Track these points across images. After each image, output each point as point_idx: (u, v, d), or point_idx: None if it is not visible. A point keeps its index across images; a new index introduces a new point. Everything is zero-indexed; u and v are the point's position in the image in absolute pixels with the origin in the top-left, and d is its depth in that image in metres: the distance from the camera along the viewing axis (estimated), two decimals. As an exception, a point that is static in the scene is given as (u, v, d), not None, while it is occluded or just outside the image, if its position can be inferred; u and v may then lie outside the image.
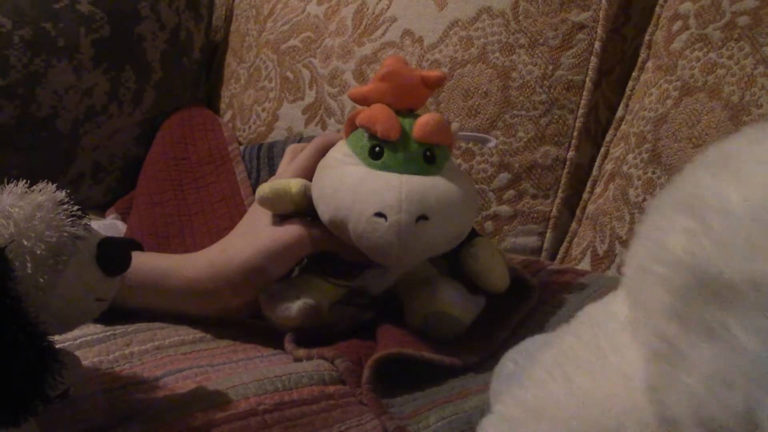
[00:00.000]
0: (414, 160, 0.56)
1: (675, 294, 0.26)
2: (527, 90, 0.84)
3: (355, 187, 0.55)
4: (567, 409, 0.30)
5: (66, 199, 0.44)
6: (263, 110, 1.06)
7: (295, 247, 0.59)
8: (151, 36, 1.08)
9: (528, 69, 0.84)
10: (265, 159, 0.95)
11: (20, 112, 0.96)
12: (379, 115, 0.56)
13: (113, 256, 0.44)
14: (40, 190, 0.43)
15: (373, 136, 0.57)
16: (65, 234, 0.42)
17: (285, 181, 0.61)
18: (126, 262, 0.45)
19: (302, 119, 1.00)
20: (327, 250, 0.60)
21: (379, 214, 0.53)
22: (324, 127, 0.98)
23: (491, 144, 0.68)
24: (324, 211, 0.57)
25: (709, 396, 0.24)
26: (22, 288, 0.39)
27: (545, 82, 0.84)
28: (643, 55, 0.85)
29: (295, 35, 1.04)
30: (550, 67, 0.84)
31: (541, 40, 0.85)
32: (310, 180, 0.61)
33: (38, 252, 0.40)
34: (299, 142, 0.93)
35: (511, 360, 0.42)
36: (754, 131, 0.30)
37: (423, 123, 0.57)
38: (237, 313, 0.62)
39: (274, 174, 0.89)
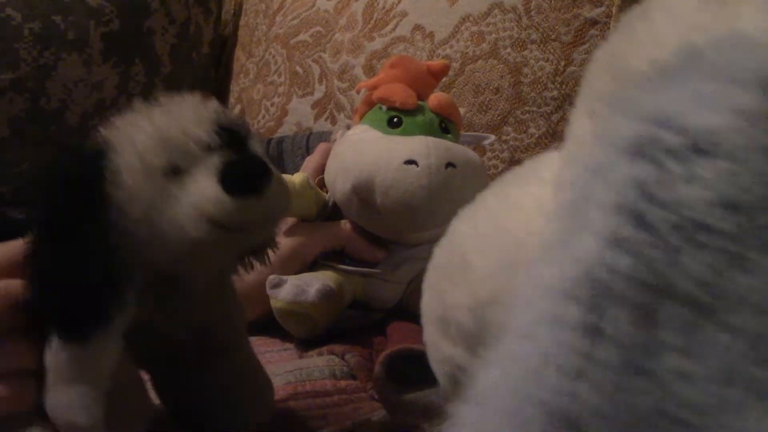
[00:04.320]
0: (432, 127, 0.59)
1: (596, 100, 0.26)
2: (539, 86, 0.84)
3: (380, 145, 0.57)
4: (489, 216, 0.31)
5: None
6: (272, 105, 1.05)
7: (302, 252, 0.60)
8: (161, 30, 1.07)
9: (540, 65, 0.84)
10: (274, 153, 0.95)
11: (30, 105, 0.96)
12: (395, 88, 0.58)
13: (241, 176, 0.35)
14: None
15: (390, 108, 0.58)
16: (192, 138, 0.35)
17: (286, 176, 0.61)
18: (258, 183, 0.35)
19: (312, 114, 1.00)
20: (334, 249, 0.61)
21: (410, 161, 0.55)
22: (333, 122, 0.98)
23: (488, 141, 0.69)
24: (345, 180, 0.58)
25: (584, 170, 0.22)
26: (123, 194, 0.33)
27: (557, 78, 0.83)
28: (655, 52, 0.84)
29: (305, 30, 1.04)
30: (562, 63, 0.83)
31: (553, 36, 0.84)
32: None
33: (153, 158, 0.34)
34: (309, 137, 0.93)
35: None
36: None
37: (438, 95, 0.60)
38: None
39: (283, 169, 0.90)
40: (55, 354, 0.33)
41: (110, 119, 0.37)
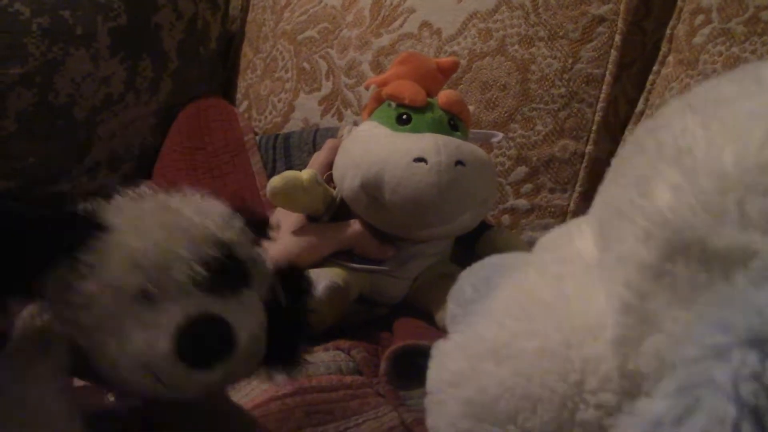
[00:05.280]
0: (441, 124, 0.59)
1: (655, 250, 0.25)
2: (546, 83, 0.84)
3: (389, 142, 0.57)
4: (527, 354, 0.29)
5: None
6: (279, 101, 1.06)
7: (309, 252, 0.60)
8: (169, 25, 1.08)
9: (547, 62, 0.84)
10: (281, 149, 0.95)
11: (38, 100, 0.96)
12: (405, 85, 0.58)
13: (197, 343, 0.31)
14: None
15: (399, 105, 0.59)
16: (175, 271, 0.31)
17: (294, 171, 0.61)
18: (212, 358, 0.32)
19: (319, 110, 1.00)
20: (342, 249, 0.61)
21: (419, 159, 0.55)
22: (341, 119, 0.98)
23: (496, 139, 0.69)
24: (354, 176, 0.58)
25: (699, 348, 0.22)
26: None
27: (564, 75, 0.83)
28: (664, 49, 0.84)
29: (312, 26, 1.04)
30: (570, 60, 0.83)
31: (560, 33, 0.84)
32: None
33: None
34: (316, 133, 0.93)
35: (469, 285, 0.39)
36: (744, 76, 0.28)
37: (447, 93, 0.61)
38: None
39: (289, 165, 0.90)
40: None
41: (113, 195, 0.34)
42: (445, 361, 0.33)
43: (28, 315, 0.33)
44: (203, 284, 0.32)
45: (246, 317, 0.34)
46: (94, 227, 0.32)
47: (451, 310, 0.39)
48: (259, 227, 0.36)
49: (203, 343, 0.31)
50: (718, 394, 0.18)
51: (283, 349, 0.36)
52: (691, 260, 0.24)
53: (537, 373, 0.29)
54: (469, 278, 0.38)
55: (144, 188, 0.34)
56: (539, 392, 0.28)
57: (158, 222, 0.32)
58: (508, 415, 0.29)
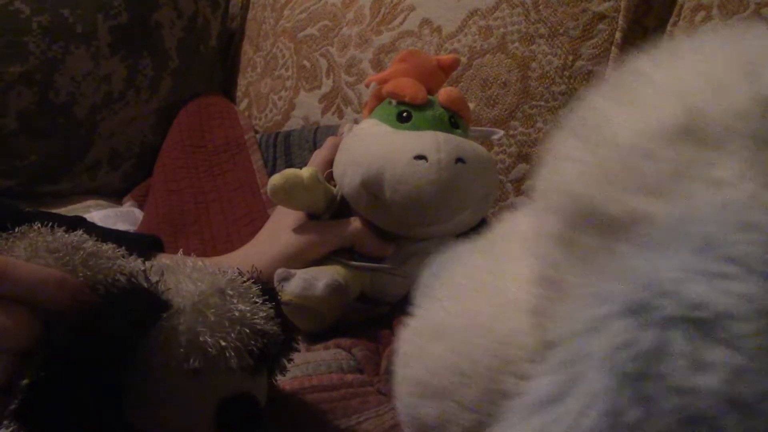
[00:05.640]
0: (441, 122, 0.59)
1: (561, 221, 0.26)
2: (546, 80, 0.83)
3: (390, 140, 0.57)
4: (459, 331, 0.31)
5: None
6: (279, 99, 1.06)
7: (310, 250, 0.60)
8: (169, 23, 1.08)
9: (548, 59, 0.84)
10: (281, 147, 0.95)
11: (39, 98, 0.96)
12: (405, 83, 0.59)
13: (235, 421, 0.37)
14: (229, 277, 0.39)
15: (400, 103, 0.59)
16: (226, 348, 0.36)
17: (295, 169, 0.61)
18: (249, 428, 0.38)
19: (319, 108, 1.00)
20: (342, 247, 0.61)
21: (419, 157, 0.55)
22: (341, 116, 0.98)
23: (496, 137, 0.69)
24: (354, 174, 0.58)
25: (578, 322, 0.22)
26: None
27: (565, 72, 0.83)
28: (664, 46, 0.83)
29: (313, 24, 1.04)
30: (570, 58, 0.83)
31: (561, 30, 0.84)
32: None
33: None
34: (316, 131, 0.93)
35: (429, 272, 0.41)
36: (662, 52, 0.28)
37: (448, 90, 0.60)
38: None
39: (290, 163, 0.90)
40: None
41: (177, 271, 0.38)
42: (402, 344, 0.36)
43: None
44: (245, 368, 0.37)
45: (263, 392, 0.40)
46: (162, 307, 0.36)
47: (414, 296, 0.40)
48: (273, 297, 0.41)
49: (239, 417, 0.37)
50: (595, 368, 0.18)
51: None
52: (591, 228, 0.25)
53: (467, 349, 0.30)
54: (431, 266, 0.40)
55: (193, 262, 0.39)
56: (470, 367, 0.30)
57: (215, 309, 0.36)
58: (446, 391, 0.31)
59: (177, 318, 0.36)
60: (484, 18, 0.87)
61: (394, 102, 0.59)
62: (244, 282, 0.39)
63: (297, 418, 0.47)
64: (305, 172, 0.59)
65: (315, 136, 0.94)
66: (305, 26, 1.04)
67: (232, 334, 0.36)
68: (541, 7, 0.85)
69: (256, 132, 1.04)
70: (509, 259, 0.32)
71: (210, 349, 0.35)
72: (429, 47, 0.89)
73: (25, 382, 0.33)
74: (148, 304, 0.35)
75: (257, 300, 0.39)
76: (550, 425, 0.18)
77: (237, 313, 0.37)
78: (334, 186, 0.63)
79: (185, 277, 0.38)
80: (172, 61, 1.08)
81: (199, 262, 0.40)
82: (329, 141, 0.68)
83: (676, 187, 0.23)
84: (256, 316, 0.38)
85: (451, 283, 0.35)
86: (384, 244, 0.61)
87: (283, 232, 0.62)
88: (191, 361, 0.35)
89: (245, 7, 1.21)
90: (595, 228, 0.25)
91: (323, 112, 1.00)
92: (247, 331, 0.37)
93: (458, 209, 0.58)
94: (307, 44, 1.03)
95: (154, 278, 0.37)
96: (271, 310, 0.39)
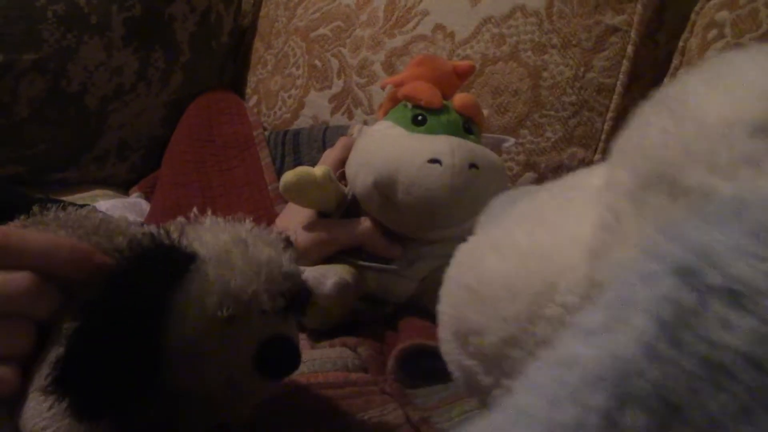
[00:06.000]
0: (455, 127, 0.59)
1: (635, 178, 0.28)
2: (557, 90, 0.84)
3: (404, 142, 0.58)
4: (519, 249, 0.33)
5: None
6: (289, 97, 1.06)
7: (319, 248, 0.61)
8: (182, 17, 1.08)
9: (559, 69, 0.84)
10: (290, 145, 0.96)
11: (51, 86, 0.96)
12: (421, 86, 0.59)
13: (274, 361, 0.37)
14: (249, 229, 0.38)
15: (415, 106, 0.59)
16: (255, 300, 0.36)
17: (308, 167, 0.61)
18: (285, 373, 0.39)
19: (329, 108, 1.01)
20: (351, 246, 0.61)
21: (434, 160, 0.56)
22: (350, 117, 0.98)
23: (508, 144, 0.69)
24: (367, 174, 0.58)
25: (632, 272, 0.25)
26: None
27: (576, 83, 0.84)
28: (676, 62, 0.84)
29: (326, 24, 1.04)
30: (582, 69, 0.84)
31: (573, 41, 0.84)
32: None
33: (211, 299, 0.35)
34: (325, 131, 0.94)
35: (498, 202, 0.43)
36: (759, 50, 0.31)
37: (463, 96, 0.61)
38: None
39: (298, 161, 0.90)
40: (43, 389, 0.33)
41: (197, 227, 0.38)
42: (457, 256, 0.38)
43: None
44: (278, 311, 0.37)
45: (296, 334, 0.40)
46: (189, 259, 0.35)
47: (479, 221, 0.42)
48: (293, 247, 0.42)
49: (279, 358, 0.37)
50: (640, 312, 0.21)
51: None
52: (662, 192, 0.27)
53: (522, 268, 0.32)
54: (499, 198, 0.42)
55: (210, 217, 0.39)
56: (519, 285, 0.32)
57: (241, 255, 0.36)
58: (492, 301, 0.33)
59: (204, 268, 0.35)
60: (498, 26, 0.88)
61: (409, 105, 0.60)
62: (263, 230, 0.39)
63: (300, 413, 0.47)
64: (318, 170, 0.60)
65: (324, 136, 0.94)
66: (318, 26, 1.05)
67: (262, 277, 0.36)
68: (554, 17, 0.85)
69: (265, 129, 1.04)
70: (578, 202, 0.34)
71: (241, 295, 0.35)
72: (441, 52, 0.90)
73: (58, 350, 0.33)
74: (174, 258, 0.35)
75: (279, 244, 0.39)
76: (596, 349, 0.21)
77: (263, 258, 0.37)
78: (345, 186, 0.64)
79: (205, 230, 0.38)
80: (183, 55, 1.09)
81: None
82: (341, 141, 0.68)
83: (745, 173, 0.25)
84: (281, 259, 0.38)
85: (518, 212, 0.37)
86: (393, 245, 0.61)
87: (293, 229, 0.63)
88: (224, 308, 0.35)
89: (258, 5, 1.22)
90: (664, 192, 0.27)
91: (333, 112, 1.00)
92: (275, 273, 0.37)
93: (469, 214, 0.59)
94: (319, 44, 1.04)
95: (174, 234, 0.37)
96: (293, 253, 0.39)
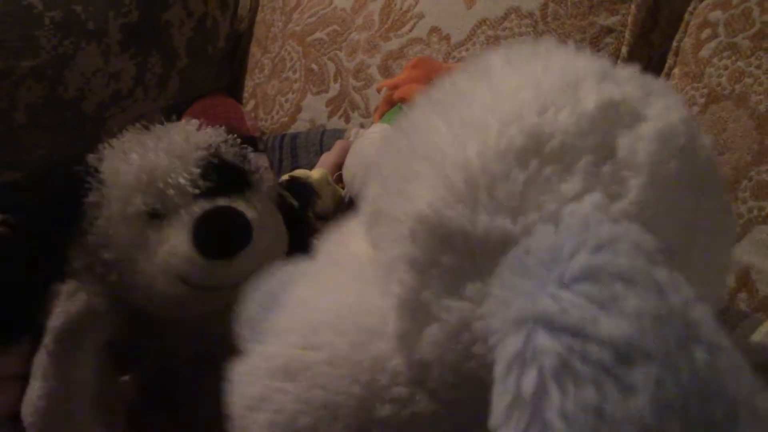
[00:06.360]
0: None
1: (420, 247, 0.26)
2: (553, 91, 0.84)
3: None
4: (318, 365, 0.30)
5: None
6: (286, 101, 1.06)
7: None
8: (178, 23, 1.08)
9: (554, 70, 0.85)
10: (288, 149, 0.96)
11: (48, 93, 0.97)
12: (417, 89, 0.59)
13: (214, 234, 0.34)
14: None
15: None
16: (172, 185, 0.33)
17: (305, 170, 0.62)
18: (231, 246, 0.34)
19: (326, 111, 1.01)
20: None
21: None
22: (348, 120, 0.98)
23: None
24: (364, 176, 0.59)
25: (452, 344, 0.25)
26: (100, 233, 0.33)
27: (571, 84, 0.84)
28: (670, 62, 0.85)
29: (322, 28, 1.05)
30: (577, 70, 0.84)
31: (568, 42, 0.85)
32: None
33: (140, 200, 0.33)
34: (323, 134, 0.94)
35: (255, 303, 0.36)
36: (476, 69, 0.30)
37: None
38: None
39: (296, 164, 0.91)
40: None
41: (101, 145, 0.38)
42: (241, 386, 0.33)
43: (65, 295, 0.34)
44: (205, 188, 0.34)
45: (254, 212, 0.36)
46: (87, 173, 0.35)
47: (238, 331, 0.36)
48: (249, 141, 0.40)
49: (219, 231, 0.34)
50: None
51: (299, 247, 0.37)
52: (455, 251, 0.25)
53: (331, 381, 0.29)
54: (254, 295, 0.36)
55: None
56: (336, 399, 0.29)
57: (139, 150, 0.35)
58: (310, 428, 0.29)
59: (106, 177, 0.35)
60: (493, 28, 0.88)
61: (404, 107, 0.60)
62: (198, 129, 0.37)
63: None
64: (315, 173, 0.60)
65: (321, 139, 0.95)
66: (314, 30, 1.05)
67: (168, 161, 0.35)
68: (549, 18, 0.86)
69: (263, 133, 1.05)
70: (354, 288, 0.31)
71: (147, 187, 0.34)
72: (437, 55, 0.90)
73: None
74: (71, 174, 0.35)
75: (218, 134, 0.37)
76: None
77: (164, 143, 0.36)
78: (343, 188, 0.64)
79: (108, 146, 0.38)
80: (180, 61, 1.09)
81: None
82: (338, 144, 0.68)
83: (527, 204, 0.24)
84: (193, 138, 0.36)
85: (293, 316, 0.32)
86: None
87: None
88: (135, 205, 0.34)
89: (254, 9, 1.22)
90: (459, 251, 0.25)
91: (330, 116, 1.01)
92: (182, 149, 0.35)
93: None
94: (315, 48, 1.04)
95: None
96: (235, 138, 0.37)
